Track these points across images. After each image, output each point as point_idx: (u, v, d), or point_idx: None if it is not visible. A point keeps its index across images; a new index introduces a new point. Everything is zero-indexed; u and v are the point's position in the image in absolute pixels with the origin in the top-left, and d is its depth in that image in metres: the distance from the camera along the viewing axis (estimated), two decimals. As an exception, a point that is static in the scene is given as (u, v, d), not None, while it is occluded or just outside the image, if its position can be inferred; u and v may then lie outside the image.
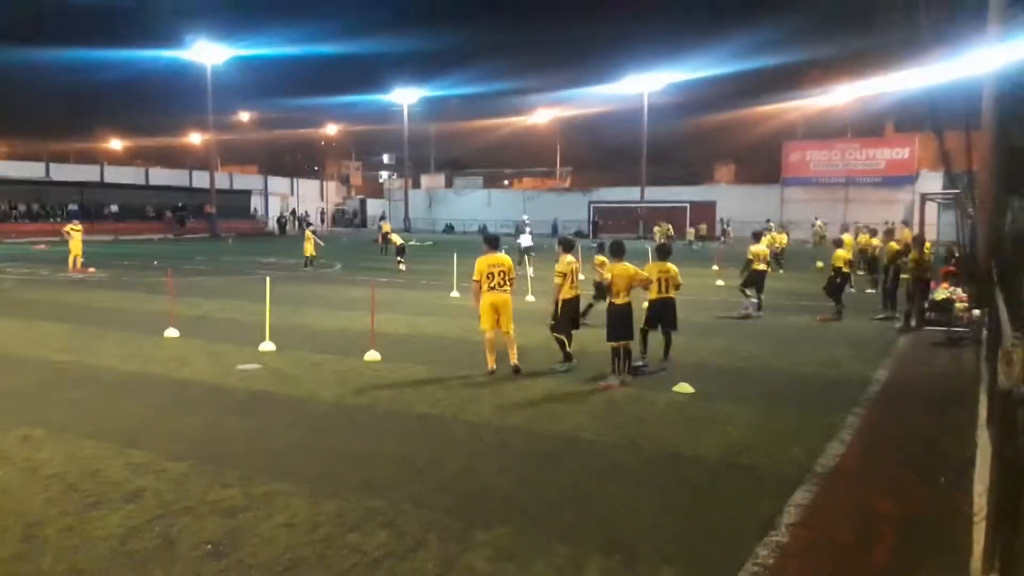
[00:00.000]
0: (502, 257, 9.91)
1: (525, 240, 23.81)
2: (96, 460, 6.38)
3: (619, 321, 9.40)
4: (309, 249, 26.11)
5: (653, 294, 10.21)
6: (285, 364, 10.30)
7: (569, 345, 10.08)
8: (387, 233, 32.46)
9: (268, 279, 12.64)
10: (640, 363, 10.03)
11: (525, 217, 24.24)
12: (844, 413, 8.08)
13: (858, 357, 11.27)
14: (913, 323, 13.94)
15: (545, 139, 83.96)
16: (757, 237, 16.39)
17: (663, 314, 10.28)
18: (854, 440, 7.18)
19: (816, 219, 50.43)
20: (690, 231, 48.14)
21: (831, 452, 6.77)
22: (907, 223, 31.46)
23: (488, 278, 9.70)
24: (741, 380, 9.71)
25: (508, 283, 9.79)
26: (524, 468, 6.32)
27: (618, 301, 9.42)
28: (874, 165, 56.31)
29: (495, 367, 9.81)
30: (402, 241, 27.13)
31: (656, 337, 10.41)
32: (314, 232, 27.83)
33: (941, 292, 14.57)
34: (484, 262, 9.78)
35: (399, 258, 26.19)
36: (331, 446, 6.84)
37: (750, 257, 15.54)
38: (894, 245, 15.67)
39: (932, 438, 7.32)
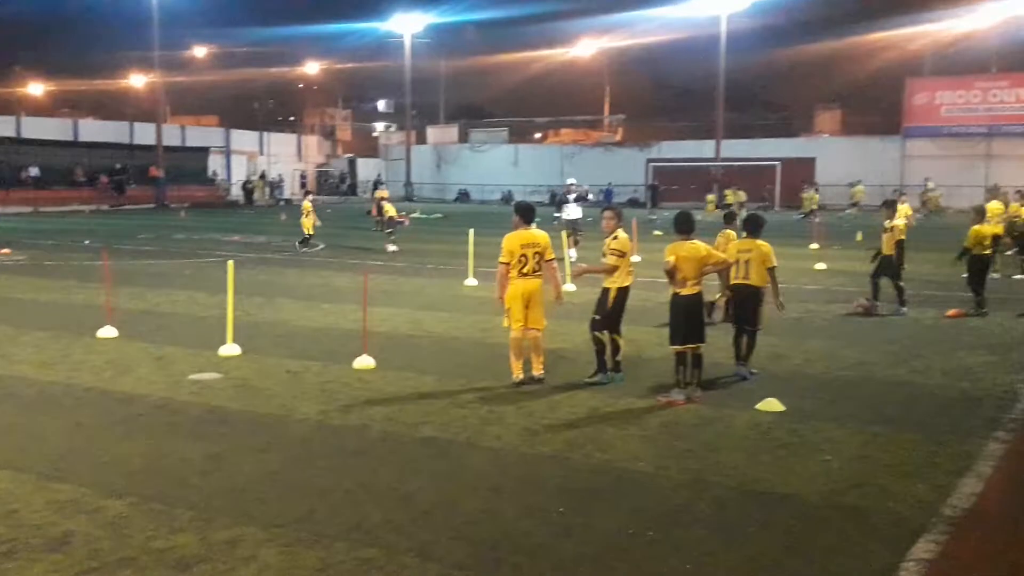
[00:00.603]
0: (538, 234, 9.95)
1: (572, 211, 23.22)
2: (11, 497, 6.51)
3: (685, 318, 9.37)
4: (309, 225, 26.10)
5: (731, 279, 10.22)
6: (253, 373, 10.40)
7: (618, 352, 10.05)
8: (382, 200, 32.74)
9: (231, 263, 12.72)
10: (749, 373, 10.16)
11: (572, 180, 23.50)
12: (982, 439, 7.99)
13: (1001, 365, 11.13)
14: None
15: (590, 79, 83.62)
16: (892, 207, 15.93)
17: (740, 307, 10.25)
18: (995, 475, 7.10)
19: (928, 182, 49.39)
20: (807, 195, 46.91)
21: (964, 490, 6.71)
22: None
23: (520, 261, 9.73)
24: (846, 395, 9.63)
25: (543, 267, 9.82)
26: (560, 510, 6.33)
27: (684, 292, 9.39)
28: (1027, 109, 55.34)
29: (523, 376, 9.85)
30: (393, 214, 27.23)
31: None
32: (314, 202, 27.62)
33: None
34: (515, 240, 9.82)
35: (389, 232, 26.45)
36: (311, 479, 6.90)
37: (901, 237, 15.17)
38: None
39: (1102, 473, 7.21)
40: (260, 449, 7.63)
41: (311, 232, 26.06)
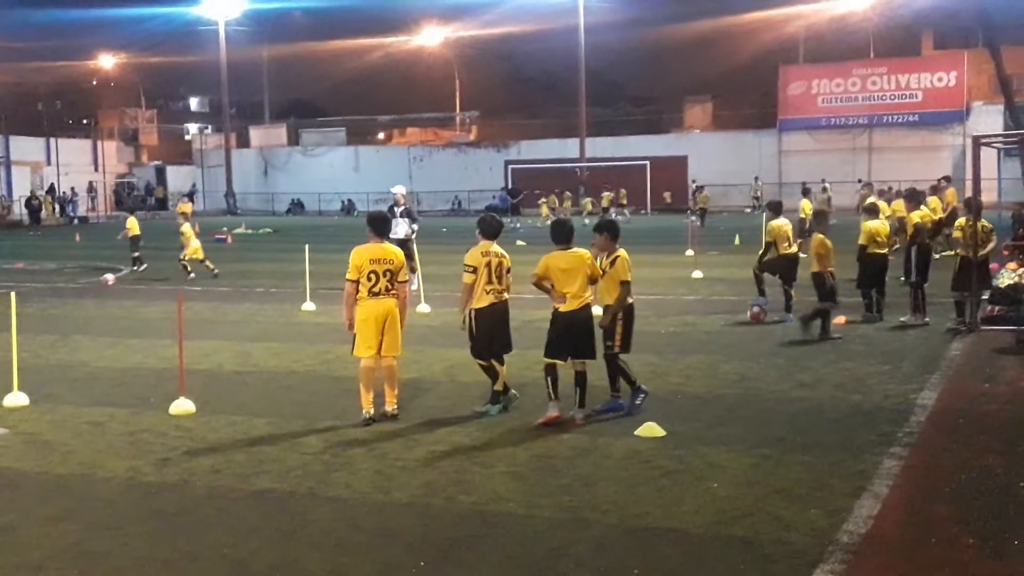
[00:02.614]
0: (391, 250, 9.99)
1: (399, 228, 21.77)
2: None
3: (566, 332, 9.63)
4: (195, 248, 23.89)
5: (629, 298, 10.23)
6: (45, 426, 10.00)
7: (496, 378, 10.11)
8: (184, 212, 32.89)
9: (14, 295, 12.17)
10: (637, 400, 10.01)
11: (398, 189, 21.75)
12: (877, 456, 8.37)
13: (894, 374, 11.73)
14: (967, 321, 14.56)
15: (437, 71, 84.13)
16: (776, 209, 16.59)
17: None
18: (893, 494, 7.45)
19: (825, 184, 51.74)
20: (701, 197, 47.72)
21: (861, 513, 7.01)
22: (948, 180, 32.27)
23: (369, 279, 9.72)
24: (730, 414, 9.95)
25: (396, 287, 9.86)
26: (421, 564, 6.30)
27: (563, 308, 9.65)
28: (908, 97, 58.80)
29: (374, 412, 9.82)
30: (136, 231, 25.65)
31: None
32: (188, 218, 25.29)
33: (1006, 276, 15.23)
34: (364, 254, 9.83)
35: (135, 257, 25.36)
36: (121, 550, 6.65)
37: (769, 239, 15.81)
38: (926, 213, 16.07)
39: (1004, 485, 7.66)
40: (57, 517, 7.29)
41: (198, 255, 23.96)
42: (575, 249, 9.76)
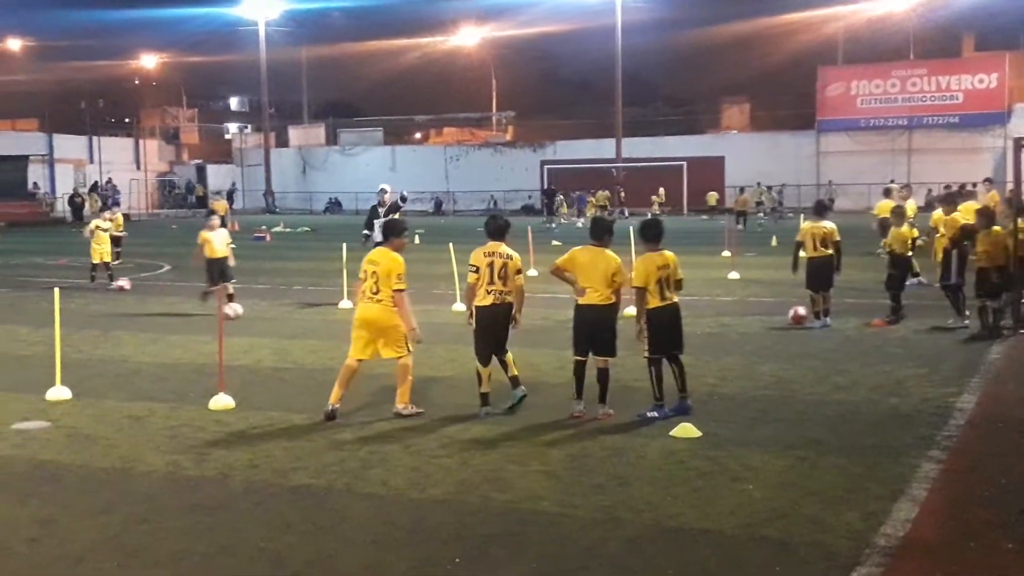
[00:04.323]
0: (380, 253, 10.10)
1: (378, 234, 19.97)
2: None
3: (584, 327, 9.77)
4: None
5: (655, 302, 9.98)
6: (87, 420, 10.11)
7: (485, 383, 10.10)
8: (222, 215, 33.11)
9: (57, 291, 12.32)
10: (655, 413, 9.78)
11: (385, 188, 20.75)
12: (915, 459, 8.28)
13: (932, 377, 11.59)
14: (1009, 324, 14.38)
15: (474, 72, 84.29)
16: (821, 211, 16.29)
17: (674, 332, 10.03)
18: (931, 497, 7.37)
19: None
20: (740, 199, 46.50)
21: (898, 516, 6.95)
22: (990, 182, 31.81)
23: (362, 278, 10.00)
24: (766, 416, 9.88)
25: (381, 292, 9.82)
26: (456, 560, 6.31)
27: (582, 301, 9.77)
28: (949, 99, 58.11)
29: (337, 407, 9.89)
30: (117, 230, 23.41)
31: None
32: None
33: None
34: (368, 255, 10.17)
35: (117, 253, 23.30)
36: (161, 543, 6.72)
37: (799, 239, 15.63)
38: (958, 217, 15.90)
39: (1039, 489, 7.57)
40: (98, 510, 7.38)
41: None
42: (605, 250, 9.83)
